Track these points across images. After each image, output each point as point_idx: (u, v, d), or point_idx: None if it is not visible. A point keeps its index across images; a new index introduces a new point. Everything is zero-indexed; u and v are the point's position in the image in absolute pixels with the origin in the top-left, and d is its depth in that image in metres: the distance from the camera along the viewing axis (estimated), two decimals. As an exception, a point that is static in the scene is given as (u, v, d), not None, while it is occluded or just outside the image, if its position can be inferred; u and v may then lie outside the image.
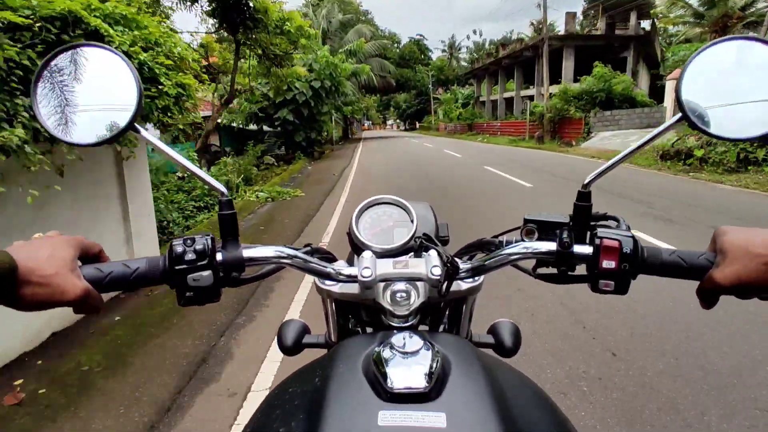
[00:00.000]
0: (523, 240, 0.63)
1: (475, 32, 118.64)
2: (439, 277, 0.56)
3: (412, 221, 0.68)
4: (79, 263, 0.52)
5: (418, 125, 57.98)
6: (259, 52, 11.38)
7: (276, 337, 0.76)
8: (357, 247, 0.67)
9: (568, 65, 23.75)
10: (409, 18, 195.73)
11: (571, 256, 0.57)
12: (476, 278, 0.65)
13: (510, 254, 0.60)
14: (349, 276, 0.60)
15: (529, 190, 8.16)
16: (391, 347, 0.48)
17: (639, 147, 0.59)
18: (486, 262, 0.61)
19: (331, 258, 0.70)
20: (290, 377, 0.56)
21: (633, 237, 0.55)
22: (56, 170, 2.82)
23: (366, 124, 73.83)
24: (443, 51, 63.24)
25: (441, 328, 0.74)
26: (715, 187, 7.94)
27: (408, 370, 0.45)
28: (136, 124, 0.57)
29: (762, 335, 2.64)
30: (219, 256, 0.55)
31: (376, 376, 0.45)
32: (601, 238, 0.55)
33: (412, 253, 0.66)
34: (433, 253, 0.59)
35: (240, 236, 0.59)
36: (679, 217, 5.62)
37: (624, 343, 2.66)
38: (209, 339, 2.97)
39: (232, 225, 0.58)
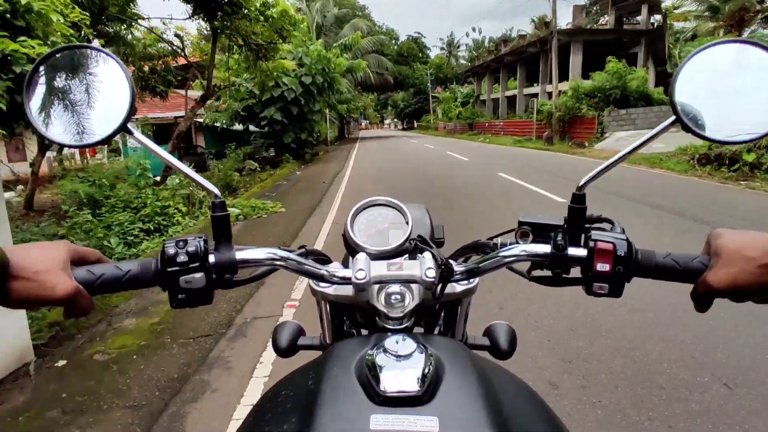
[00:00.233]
0: (517, 242, 0.63)
1: (474, 29, 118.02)
2: (433, 280, 0.55)
3: (407, 223, 0.68)
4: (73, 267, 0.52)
5: (416, 124, 56.99)
6: (240, 41, 10.01)
7: (270, 340, 0.75)
8: (352, 249, 0.67)
9: (575, 61, 22.46)
10: (407, 16, 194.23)
11: (566, 258, 0.57)
12: (471, 280, 0.64)
13: (504, 256, 0.60)
14: (343, 278, 0.59)
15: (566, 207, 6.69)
16: (385, 350, 0.47)
17: (633, 150, 0.59)
18: (480, 265, 0.61)
19: (325, 260, 0.71)
20: (283, 379, 0.55)
21: (627, 239, 0.55)
22: None
23: (363, 124, 73.64)
24: (442, 49, 62.32)
25: (436, 331, 0.74)
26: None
27: (401, 374, 0.44)
28: (128, 126, 0.57)
29: None
30: (212, 258, 0.55)
31: (368, 379, 0.45)
32: (595, 240, 0.55)
33: (407, 255, 0.66)
34: (427, 255, 0.58)
35: None
36: None
37: None
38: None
39: (224, 227, 0.57)
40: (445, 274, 0.56)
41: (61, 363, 2.63)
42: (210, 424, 2.07)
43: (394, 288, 0.58)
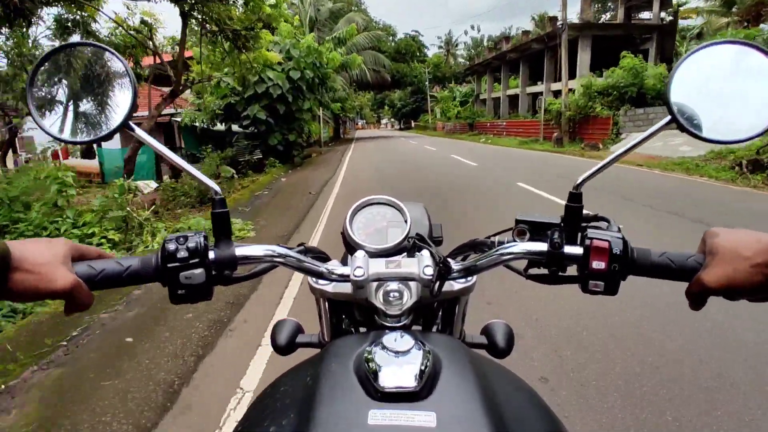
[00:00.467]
0: (515, 240, 0.63)
1: (473, 28, 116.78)
2: (431, 277, 0.56)
3: (405, 221, 0.68)
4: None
5: (413, 124, 55.85)
6: (214, 27, 8.62)
7: (269, 337, 0.74)
8: (350, 247, 0.66)
9: (584, 58, 21.20)
10: (405, 14, 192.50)
11: (562, 256, 0.57)
12: (469, 278, 0.64)
13: (502, 255, 0.59)
14: (341, 275, 0.60)
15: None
16: (383, 347, 0.48)
17: (628, 150, 0.60)
18: (478, 263, 0.61)
19: (324, 258, 0.70)
20: (282, 376, 0.55)
21: (623, 238, 0.55)
22: None
23: (360, 123, 73.39)
24: (440, 47, 61.15)
25: (434, 329, 0.74)
26: None
27: (399, 370, 0.45)
28: (130, 122, 0.57)
29: None
30: (211, 255, 0.55)
31: (367, 376, 0.45)
32: (591, 238, 0.55)
33: (405, 253, 0.66)
34: (425, 253, 0.59)
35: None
36: None
37: None
38: None
39: (224, 223, 0.57)
40: (443, 271, 0.56)
41: None
42: None
43: (393, 285, 0.58)
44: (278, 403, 0.48)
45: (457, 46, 61.30)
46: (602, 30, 21.91)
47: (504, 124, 26.82)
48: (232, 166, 12.57)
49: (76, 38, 8.25)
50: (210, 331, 2.90)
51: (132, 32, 9.18)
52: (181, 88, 9.41)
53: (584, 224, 0.59)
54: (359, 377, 0.45)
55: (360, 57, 20.35)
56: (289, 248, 0.61)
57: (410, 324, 0.60)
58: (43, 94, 0.58)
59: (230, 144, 12.89)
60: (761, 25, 18.29)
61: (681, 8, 23.56)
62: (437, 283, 0.56)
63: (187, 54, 9.97)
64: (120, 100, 0.57)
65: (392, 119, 71.16)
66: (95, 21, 8.68)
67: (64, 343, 2.79)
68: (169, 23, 10.36)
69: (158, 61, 9.46)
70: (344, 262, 0.66)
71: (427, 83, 45.88)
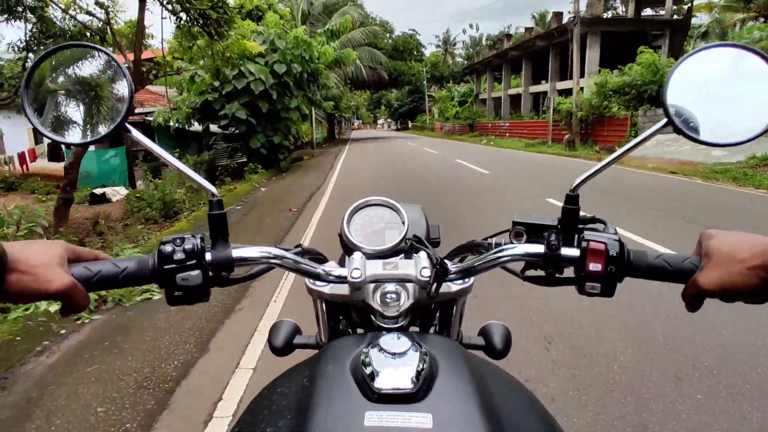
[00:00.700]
0: (512, 242, 0.63)
1: (471, 26, 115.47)
2: (428, 279, 0.56)
3: (403, 223, 0.68)
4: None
5: (410, 125, 54.68)
6: (178, 8, 7.22)
7: (267, 338, 0.73)
8: (348, 249, 0.67)
9: (593, 55, 19.88)
10: (403, 12, 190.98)
11: (559, 258, 0.57)
12: (466, 280, 0.64)
13: (499, 256, 0.59)
14: (338, 277, 0.60)
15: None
16: (380, 348, 0.48)
17: (625, 152, 0.60)
18: (475, 264, 0.61)
19: (321, 259, 0.70)
20: (279, 377, 0.55)
21: (619, 240, 0.55)
22: None
23: (356, 124, 72.85)
24: (437, 46, 60.03)
25: (432, 330, 0.73)
26: None
27: (395, 371, 0.45)
28: (126, 124, 0.57)
29: None
30: (208, 256, 0.55)
31: (363, 377, 0.45)
32: (587, 240, 0.55)
33: (403, 255, 0.66)
34: (422, 254, 0.59)
35: None
36: None
37: None
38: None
39: (221, 225, 0.57)
40: (440, 273, 0.56)
41: None
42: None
43: (390, 287, 0.58)
44: (275, 405, 0.48)
45: (455, 45, 60.25)
46: (613, 25, 20.64)
47: (506, 125, 25.53)
48: (210, 172, 11.12)
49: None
50: None
51: (86, 18, 7.72)
52: (142, 82, 7.98)
53: (581, 226, 0.59)
54: (356, 379, 0.45)
55: (355, 52, 18.91)
56: (286, 250, 0.62)
57: (407, 325, 0.61)
58: (40, 94, 0.57)
59: (208, 146, 11.41)
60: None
61: (694, 2, 22.33)
62: (434, 285, 0.56)
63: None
64: (116, 101, 0.58)
65: (389, 119, 70.46)
66: (50, 3, 7.24)
67: None
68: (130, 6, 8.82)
69: (132, 53, 8.01)
70: (341, 264, 0.67)
71: (425, 82, 44.59)
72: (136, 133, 0.58)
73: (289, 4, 21.89)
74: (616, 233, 0.57)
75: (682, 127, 0.54)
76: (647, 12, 25.01)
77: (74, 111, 0.58)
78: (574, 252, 0.56)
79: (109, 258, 0.55)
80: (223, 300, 3.33)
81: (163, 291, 0.54)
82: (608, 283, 0.54)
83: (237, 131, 11.33)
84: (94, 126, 0.58)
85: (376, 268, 0.57)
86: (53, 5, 7.26)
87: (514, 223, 0.63)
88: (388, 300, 0.57)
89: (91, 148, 11.55)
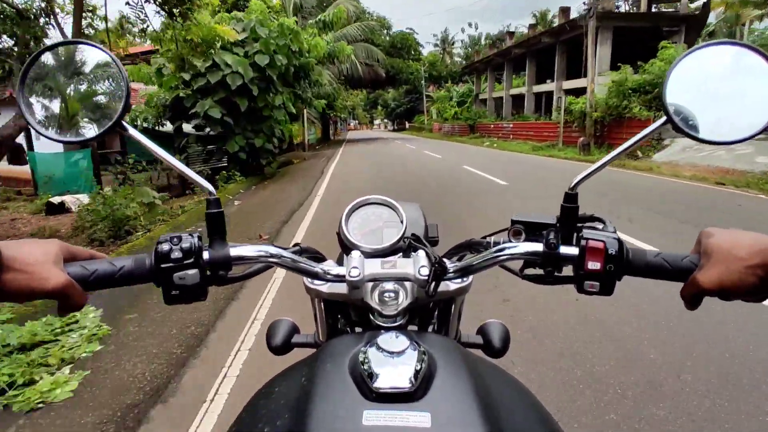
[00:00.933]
0: (510, 241, 0.62)
1: (470, 25, 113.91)
2: (426, 277, 0.56)
3: (401, 222, 0.68)
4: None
5: (407, 125, 53.42)
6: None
7: (265, 337, 0.73)
8: (346, 247, 0.66)
9: (604, 52, 18.56)
10: (400, 10, 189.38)
11: (558, 257, 0.57)
12: (464, 279, 0.64)
13: (497, 255, 0.59)
14: (337, 276, 0.60)
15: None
16: (378, 347, 0.47)
17: (622, 151, 0.59)
18: (474, 263, 0.61)
19: (320, 258, 0.70)
20: (277, 376, 0.55)
21: (618, 238, 0.55)
22: None
23: (352, 124, 72.27)
24: (435, 45, 58.84)
25: (430, 329, 0.73)
26: None
27: (394, 370, 0.44)
28: (123, 122, 0.56)
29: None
30: (206, 255, 0.55)
31: (362, 376, 0.45)
32: (586, 239, 0.55)
33: (401, 254, 0.66)
34: (421, 253, 0.59)
35: None
36: None
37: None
38: None
39: (219, 224, 0.57)
40: (439, 272, 0.56)
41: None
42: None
43: (388, 286, 0.58)
44: (273, 404, 0.48)
45: (453, 44, 59.00)
46: (626, 20, 19.32)
47: (510, 126, 24.17)
48: (181, 180, 9.64)
49: None
50: None
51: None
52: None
53: (580, 224, 0.59)
54: (354, 378, 0.45)
55: (350, 47, 17.48)
56: (284, 248, 0.61)
57: (406, 324, 0.60)
58: (36, 92, 0.56)
59: (179, 149, 9.94)
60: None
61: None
62: (433, 284, 0.56)
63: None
64: (113, 99, 0.57)
65: (385, 120, 69.43)
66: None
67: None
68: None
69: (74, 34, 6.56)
70: (340, 263, 0.66)
71: (423, 82, 43.22)
72: (133, 132, 0.58)
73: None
74: (615, 232, 0.56)
75: (681, 125, 0.54)
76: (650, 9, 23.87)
77: (70, 109, 0.58)
78: (573, 250, 0.56)
79: (105, 257, 0.54)
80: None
81: (161, 290, 0.53)
82: (607, 281, 0.54)
83: (212, 133, 9.87)
84: (90, 125, 0.57)
85: (374, 266, 0.58)
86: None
87: (513, 222, 0.63)
88: (386, 299, 0.57)
89: (60, 148, 10.13)
